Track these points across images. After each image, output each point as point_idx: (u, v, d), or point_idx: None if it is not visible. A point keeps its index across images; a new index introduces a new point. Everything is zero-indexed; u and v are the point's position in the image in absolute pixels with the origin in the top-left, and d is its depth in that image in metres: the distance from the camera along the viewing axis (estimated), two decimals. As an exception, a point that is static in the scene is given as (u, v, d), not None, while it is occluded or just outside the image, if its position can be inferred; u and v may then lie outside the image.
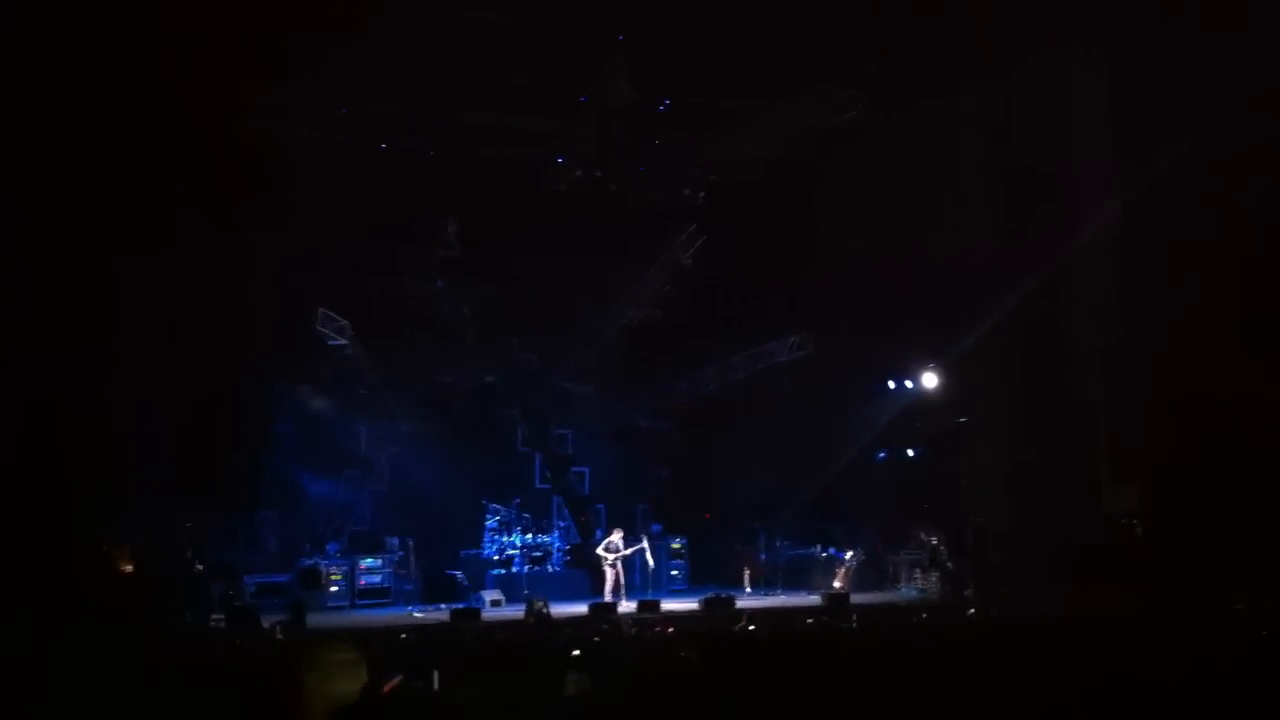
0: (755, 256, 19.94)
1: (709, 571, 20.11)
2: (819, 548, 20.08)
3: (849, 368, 20.53)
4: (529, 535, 19.53)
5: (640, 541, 18.09)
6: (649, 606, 15.70)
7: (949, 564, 18.07)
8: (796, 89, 17.13)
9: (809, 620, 12.38)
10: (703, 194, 19.79)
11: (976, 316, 18.04)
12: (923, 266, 18.63)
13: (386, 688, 4.12)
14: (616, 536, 17.97)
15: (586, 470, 21.50)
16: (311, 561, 17.61)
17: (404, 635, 11.54)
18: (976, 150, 18.28)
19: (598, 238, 19.29)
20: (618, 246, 19.76)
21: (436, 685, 5.50)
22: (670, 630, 11.18)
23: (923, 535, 18.90)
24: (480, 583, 18.31)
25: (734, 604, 15.90)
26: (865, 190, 18.93)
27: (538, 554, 19.47)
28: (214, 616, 14.70)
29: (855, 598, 16.73)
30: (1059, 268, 17.32)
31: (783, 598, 17.94)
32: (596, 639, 9.80)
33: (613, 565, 17.70)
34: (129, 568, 14.39)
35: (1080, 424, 17.97)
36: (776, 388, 21.17)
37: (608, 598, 17.11)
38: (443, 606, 16.48)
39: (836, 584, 18.76)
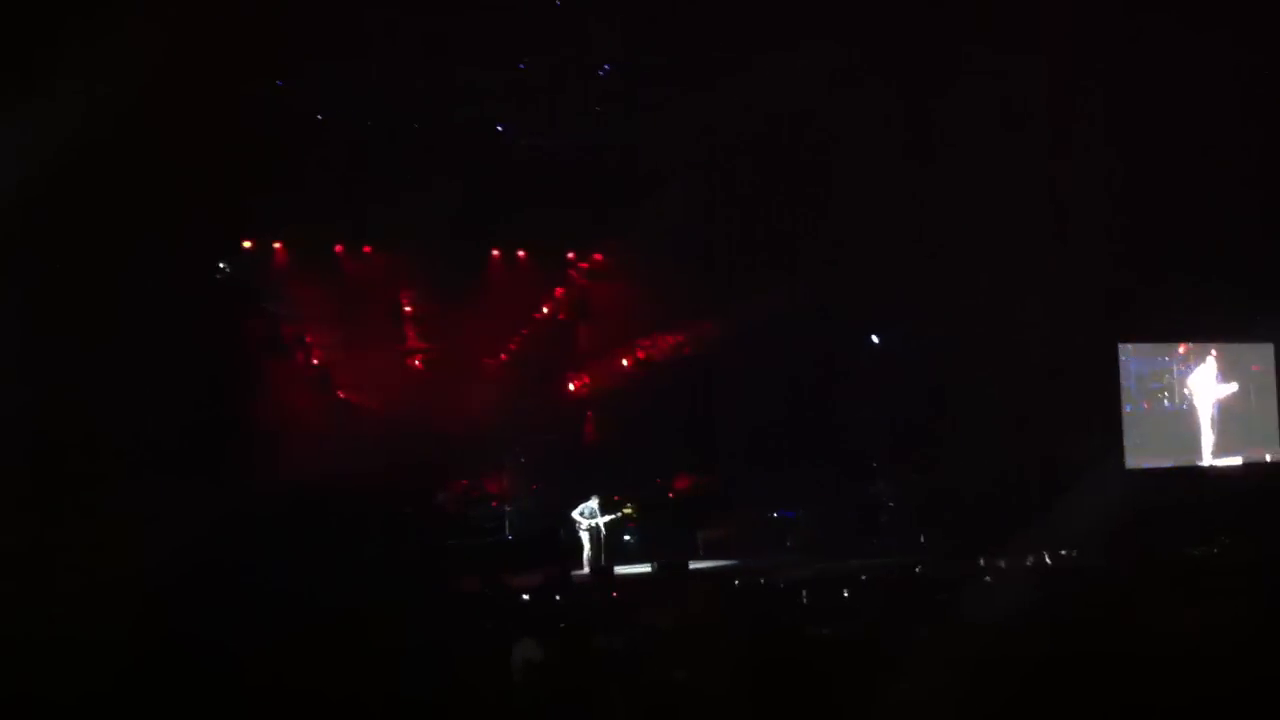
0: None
1: (662, 538, 20.12)
2: (772, 510, 20.18)
3: (831, 325, 20.58)
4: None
5: (600, 510, 18.14)
6: (602, 572, 15.77)
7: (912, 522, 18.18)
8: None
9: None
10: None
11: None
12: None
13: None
14: (593, 503, 17.95)
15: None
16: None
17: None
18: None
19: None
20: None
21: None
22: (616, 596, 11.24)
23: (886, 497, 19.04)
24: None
25: (686, 568, 15.98)
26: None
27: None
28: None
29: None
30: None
31: (735, 561, 18.05)
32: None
33: (586, 531, 17.69)
34: None
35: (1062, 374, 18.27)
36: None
37: (586, 566, 17.15)
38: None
39: (788, 544, 18.92)
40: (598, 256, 21.42)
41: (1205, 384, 19.72)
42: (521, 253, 21.17)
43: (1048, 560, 12.03)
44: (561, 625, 8.03)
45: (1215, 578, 8.36)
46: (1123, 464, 18.73)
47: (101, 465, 14.83)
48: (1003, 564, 12.46)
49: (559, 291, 21.38)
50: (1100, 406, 18.83)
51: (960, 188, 17.93)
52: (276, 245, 19.16)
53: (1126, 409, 19.25)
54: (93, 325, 15.50)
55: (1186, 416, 19.66)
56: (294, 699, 5.10)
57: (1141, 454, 18.98)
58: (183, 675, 5.77)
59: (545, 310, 21.27)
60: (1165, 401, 19.60)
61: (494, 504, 19.79)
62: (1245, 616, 6.01)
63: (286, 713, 5.03)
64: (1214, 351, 19.87)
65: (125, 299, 16.00)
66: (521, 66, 17.24)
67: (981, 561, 12.81)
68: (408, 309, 19.86)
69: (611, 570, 15.97)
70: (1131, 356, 19.47)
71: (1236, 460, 19.63)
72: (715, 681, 5.20)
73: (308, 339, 19.13)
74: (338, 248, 19.76)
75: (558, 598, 12.35)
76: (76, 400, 15.19)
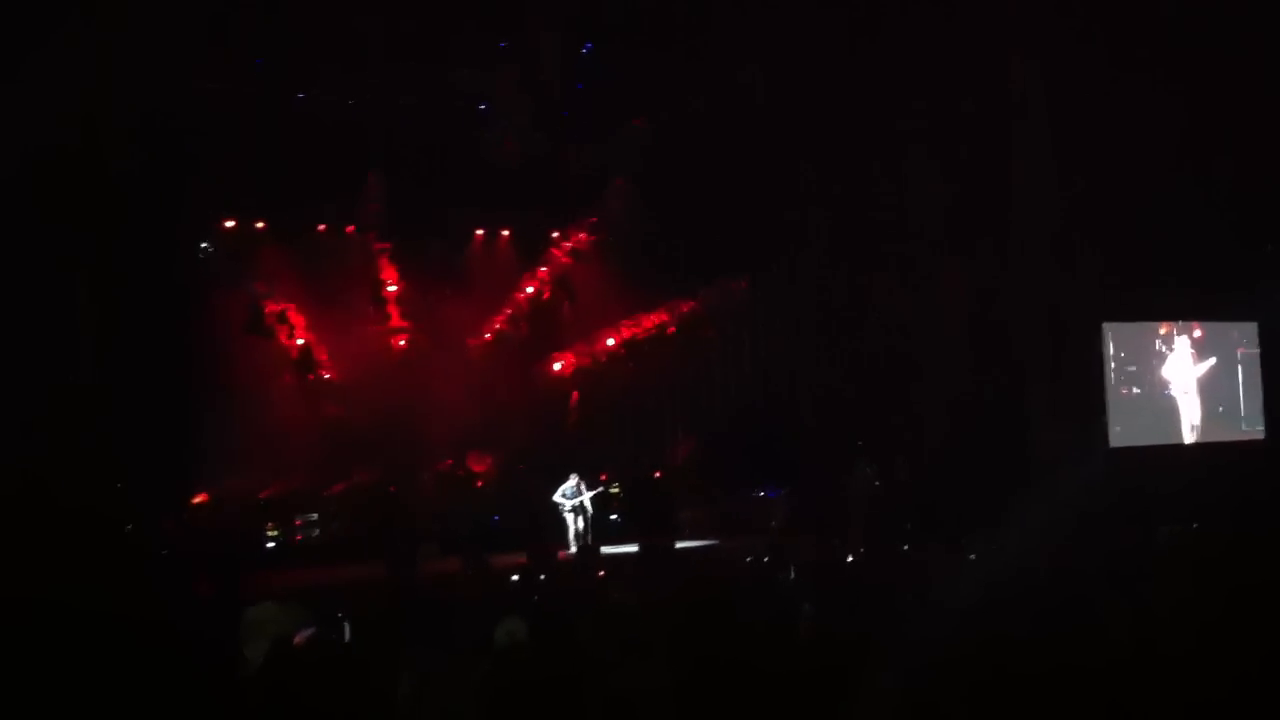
0: (695, 201, 19.89)
1: (647, 518, 20.08)
2: (756, 490, 20.19)
3: (788, 307, 20.60)
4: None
5: (583, 488, 18.11)
6: (587, 552, 15.74)
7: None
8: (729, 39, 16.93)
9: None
10: (637, 142, 19.63)
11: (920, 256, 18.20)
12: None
13: (298, 639, 4.09)
14: (573, 483, 17.92)
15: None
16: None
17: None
18: (920, 92, 18.10)
19: (530, 190, 19.23)
20: (551, 198, 19.73)
21: (348, 637, 5.48)
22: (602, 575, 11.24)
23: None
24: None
25: (673, 549, 15.96)
26: (808, 130, 18.79)
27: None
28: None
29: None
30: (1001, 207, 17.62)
31: (719, 542, 18.06)
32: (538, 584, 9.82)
33: (571, 511, 17.64)
34: None
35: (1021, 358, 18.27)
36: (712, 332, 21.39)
37: (572, 547, 17.10)
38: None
39: (772, 525, 18.91)
40: (581, 236, 21.34)
41: (1189, 363, 19.74)
42: (505, 232, 21.11)
43: (1032, 543, 12.03)
44: (545, 605, 8.01)
45: (1196, 557, 8.36)
46: (1107, 444, 18.75)
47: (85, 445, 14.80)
48: (987, 547, 12.47)
49: (543, 272, 21.31)
50: (1084, 386, 18.83)
51: (939, 173, 17.90)
52: (259, 225, 19.07)
53: (1110, 389, 19.23)
54: (77, 304, 15.44)
55: (1171, 396, 19.68)
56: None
57: (1126, 434, 19.00)
58: (175, 669, 5.74)
59: (529, 290, 21.20)
60: (1149, 381, 19.60)
61: (479, 485, 19.75)
62: (1225, 596, 6.00)
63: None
64: (1198, 330, 19.88)
65: (111, 278, 15.95)
66: (503, 46, 17.17)
67: (966, 546, 12.81)
68: (391, 289, 19.76)
69: (598, 550, 15.95)
70: (1115, 336, 19.43)
71: (1221, 439, 19.66)
72: (695, 666, 5.18)
73: (290, 318, 19.03)
74: (321, 227, 19.68)
75: (542, 577, 12.33)
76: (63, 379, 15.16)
